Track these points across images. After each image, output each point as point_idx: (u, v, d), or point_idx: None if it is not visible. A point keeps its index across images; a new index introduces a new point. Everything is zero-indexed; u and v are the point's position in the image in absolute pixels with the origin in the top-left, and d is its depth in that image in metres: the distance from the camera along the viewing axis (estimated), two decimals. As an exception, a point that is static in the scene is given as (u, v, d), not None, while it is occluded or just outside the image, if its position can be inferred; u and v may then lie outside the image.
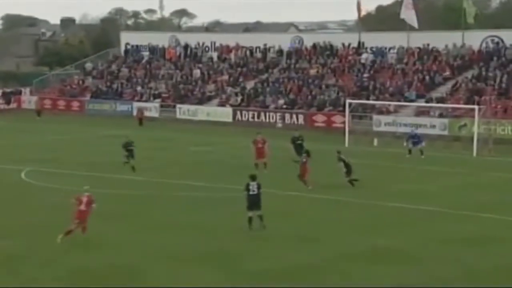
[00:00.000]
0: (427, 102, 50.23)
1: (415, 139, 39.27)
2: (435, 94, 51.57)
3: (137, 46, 67.95)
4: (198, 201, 27.64)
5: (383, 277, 18.95)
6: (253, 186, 23.36)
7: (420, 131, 43.82)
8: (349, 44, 59.22)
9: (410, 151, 38.83)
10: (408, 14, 55.76)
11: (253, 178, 23.68)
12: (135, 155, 33.69)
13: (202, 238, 22.43)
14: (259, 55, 62.13)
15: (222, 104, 56.89)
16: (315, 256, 20.66)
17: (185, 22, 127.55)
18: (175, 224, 24.04)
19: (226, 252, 21.04)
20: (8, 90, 65.69)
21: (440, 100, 50.22)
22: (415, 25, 55.74)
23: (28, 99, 63.99)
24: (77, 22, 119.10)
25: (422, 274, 19.32)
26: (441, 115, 48.41)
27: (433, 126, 47.57)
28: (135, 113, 57.03)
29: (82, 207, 22.12)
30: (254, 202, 23.21)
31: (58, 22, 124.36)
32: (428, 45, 55.93)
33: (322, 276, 19.09)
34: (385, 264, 19.95)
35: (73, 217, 22.06)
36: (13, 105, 63.71)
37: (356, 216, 25.43)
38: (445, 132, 46.90)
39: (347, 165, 30.24)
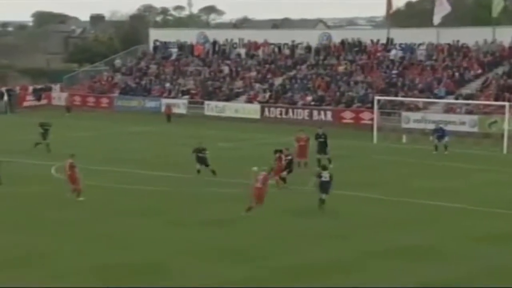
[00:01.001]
0: (456, 99, 49.81)
1: (439, 132, 39.11)
2: (464, 91, 51.11)
3: (165, 42, 68.19)
4: (224, 197, 27.71)
5: (410, 275, 18.84)
6: (325, 174, 25.39)
7: (449, 128, 43.49)
8: (378, 41, 58.89)
9: (436, 148, 38.61)
10: (440, 9, 55.32)
11: (324, 167, 25.97)
12: (208, 161, 31.17)
13: (227, 234, 22.48)
14: (287, 51, 62.04)
15: (250, 101, 56.90)
16: (342, 253, 20.61)
17: (213, 18, 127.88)
18: (201, 220, 24.13)
19: (250, 248, 21.07)
20: (38, 86, 66.38)
21: (470, 97, 49.77)
22: (437, 21, 55.31)
23: (58, 96, 64.59)
24: (106, 19, 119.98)
25: (450, 271, 19.18)
26: (470, 112, 47.98)
27: (463, 123, 47.15)
28: (163, 109, 57.26)
29: (258, 184, 24.11)
30: (325, 187, 25.19)
31: (88, 19, 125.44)
32: (458, 41, 55.44)
33: (348, 274, 19.04)
34: (412, 262, 19.84)
35: (254, 195, 23.95)
36: (43, 102, 64.36)
37: (384, 213, 25.32)
38: (475, 129, 46.47)
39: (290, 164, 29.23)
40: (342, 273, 19.08)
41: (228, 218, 24.49)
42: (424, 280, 18.51)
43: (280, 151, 29.42)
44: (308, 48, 61.06)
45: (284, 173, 29.08)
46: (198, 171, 30.94)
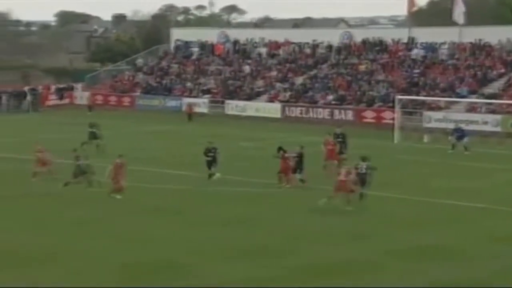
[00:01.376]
0: (479, 98, 49.40)
1: (459, 132, 38.84)
2: (487, 90, 50.69)
3: (186, 42, 68.38)
4: (244, 196, 27.68)
5: (431, 275, 18.69)
6: (362, 166, 25.59)
7: (471, 127, 43.16)
8: (399, 40, 58.62)
9: (453, 146, 38.36)
10: (457, 10, 54.94)
11: (363, 159, 25.98)
12: (218, 161, 30.37)
13: (247, 233, 22.45)
14: (308, 50, 61.95)
15: (270, 100, 56.88)
16: (362, 252, 20.51)
17: (234, 18, 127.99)
18: (221, 219, 24.12)
19: (271, 247, 21.02)
20: (61, 86, 66.84)
21: (493, 96, 49.34)
22: (461, 21, 54.89)
23: (80, 95, 64.97)
24: (128, 18, 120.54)
25: (471, 271, 19.01)
26: (493, 112, 47.56)
27: (485, 123, 46.77)
28: (184, 108, 57.33)
29: (342, 177, 24.85)
30: (362, 180, 25.45)
31: (110, 18, 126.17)
32: (480, 40, 54.99)
33: (368, 273, 18.93)
34: (433, 261, 19.69)
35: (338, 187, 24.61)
36: (65, 101, 64.81)
37: (405, 213, 25.17)
38: (498, 129, 46.09)
39: (299, 163, 28.78)
40: (362, 272, 18.98)
41: (248, 217, 24.46)
42: (445, 280, 18.36)
43: (284, 151, 29.17)
44: (329, 47, 60.91)
45: (298, 175, 28.85)
46: (210, 176, 30.06)
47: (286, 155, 29.05)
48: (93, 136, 38.19)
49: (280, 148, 29.38)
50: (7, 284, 18.01)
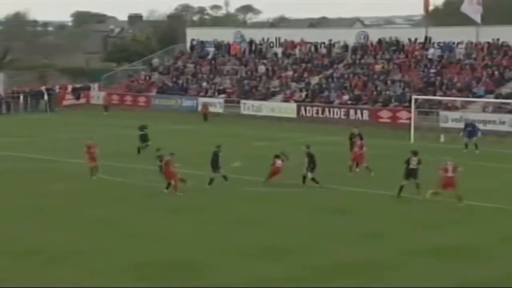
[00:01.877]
0: (496, 98, 49.09)
1: (470, 127, 38.50)
2: (504, 90, 50.37)
3: (202, 42, 68.46)
4: (260, 196, 27.69)
5: (448, 275, 18.62)
6: (413, 161, 26.39)
7: (488, 127, 42.91)
8: (416, 39, 58.37)
9: (466, 146, 38.14)
10: (472, 8, 54.63)
11: (414, 153, 26.68)
12: (218, 164, 29.02)
13: (263, 232, 22.46)
14: (324, 50, 61.82)
15: (286, 100, 56.82)
16: (379, 252, 20.45)
17: (250, 18, 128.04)
18: (236, 218, 24.16)
19: (287, 247, 21.01)
20: (77, 85, 67.19)
21: (510, 96, 49.01)
22: (478, 20, 54.60)
23: (97, 95, 65.24)
24: (144, 18, 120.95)
25: (486, 271, 18.92)
26: (511, 111, 47.24)
27: (503, 123, 46.47)
28: (200, 108, 57.38)
29: (449, 173, 25.38)
30: (412, 173, 26.37)
31: (126, 18, 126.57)
32: (498, 39, 54.65)
33: (386, 272, 18.87)
34: (449, 261, 19.62)
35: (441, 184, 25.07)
36: (82, 100, 65.15)
37: (421, 213, 25.09)
38: (515, 129, 45.80)
39: (312, 161, 28.85)
40: (379, 271, 18.94)
41: (263, 216, 24.47)
42: (461, 280, 18.28)
43: (278, 156, 29.55)
44: (345, 47, 60.75)
45: (309, 174, 28.85)
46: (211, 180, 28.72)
47: (278, 162, 29.29)
48: (145, 138, 38.08)
49: (277, 156, 29.51)
50: (27, 283, 18.12)
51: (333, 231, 22.59)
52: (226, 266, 19.37)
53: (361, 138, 33.65)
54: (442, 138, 42.80)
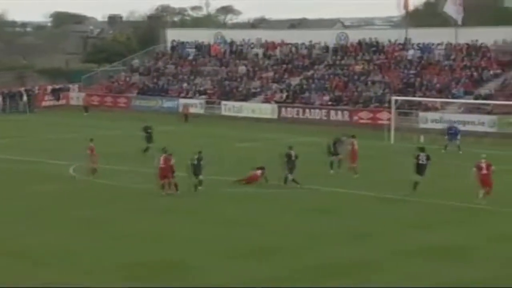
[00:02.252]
0: (475, 99, 49.49)
1: (452, 130, 39.23)
2: (483, 91, 50.80)
3: (183, 42, 68.36)
4: (245, 197, 27.71)
5: (435, 275, 18.71)
6: (422, 156, 27.13)
7: (468, 128, 43.28)
8: (395, 41, 58.71)
9: (445, 147, 38.66)
10: (455, 9, 55.08)
11: (422, 149, 27.58)
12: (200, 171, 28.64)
13: (251, 233, 22.46)
14: (304, 51, 61.98)
15: (266, 101, 56.89)
16: (368, 253, 20.49)
17: (230, 18, 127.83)
18: (224, 219, 24.15)
19: (276, 247, 21.02)
20: (57, 86, 66.78)
21: (489, 97, 49.45)
22: (459, 21, 55.06)
23: (77, 96, 64.92)
24: (124, 19, 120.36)
25: (475, 271, 19.04)
26: (489, 112, 47.66)
27: (482, 123, 46.87)
28: (180, 109, 57.28)
29: (484, 171, 25.71)
30: (421, 169, 27.08)
31: (105, 19, 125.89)
32: (476, 41, 55.12)
33: (374, 273, 18.92)
34: (439, 262, 19.71)
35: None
36: (61, 102, 64.77)
37: (405, 214, 25.23)
38: (494, 129, 46.20)
39: (290, 162, 28.95)
40: (368, 272, 19.00)
41: (250, 217, 24.49)
42: (451, 280, 18.37)
43: (262, 168, 29.70)
44: (325, 48, 60.97)
45: (289, 175, 28.97)
46: (195, 187, 28.33)
47: (259, 172, 29.52)
48: (150, 139, 37.70)
49: (260, 168, 29.78)
50: (17, 284, 18.05)
51: (320, 232, 22.64)
52: (215, 267, 19.35)
53: (353, 136, 33.70)
54: (421, 139, 43.07)
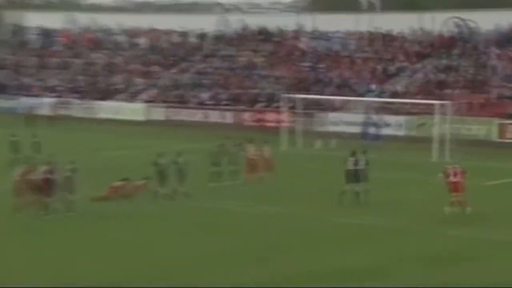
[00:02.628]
0: (380, 96, 50.59)
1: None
2: (388, 87, 52.03)
3: (24, 27, 67.15)
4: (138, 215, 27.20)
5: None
6: (361, 161, 28.64)
7: (371, 131, 44.32)
8: (286, 28, 59.56)
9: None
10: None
11: (352, 154, 28.84)
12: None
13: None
14: (177, 39, 62.03)
15: (131, 100, 56.38)
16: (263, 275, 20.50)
17: None
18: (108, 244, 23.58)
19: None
20: None
21: (395, 94, 50.67)
22: (365, 6, 56.45)
23: None
24: None
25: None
26: (396, 112, 48.79)
27: (388, 125, 47.92)
28: (22, 110, 56.30)
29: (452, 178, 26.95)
30: (364, 175, 28.60)
31: None
32: (381, 29, 56.51)
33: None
34: (351, 282, 19.93)
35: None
36: None
37: (308, 231, 25.36)
38: (401, 132, 47.41)
39: (161, 174, 29.34)
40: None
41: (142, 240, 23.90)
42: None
43: (127, 179, 29.95)
44: (202, 36, 61.31)
45: (181, 188, 29.08)
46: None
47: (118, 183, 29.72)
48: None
49: (125, 179, 29.92)
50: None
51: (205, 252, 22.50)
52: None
53: (265, 142, 34.48)
54: (317, 144, 43.66)
